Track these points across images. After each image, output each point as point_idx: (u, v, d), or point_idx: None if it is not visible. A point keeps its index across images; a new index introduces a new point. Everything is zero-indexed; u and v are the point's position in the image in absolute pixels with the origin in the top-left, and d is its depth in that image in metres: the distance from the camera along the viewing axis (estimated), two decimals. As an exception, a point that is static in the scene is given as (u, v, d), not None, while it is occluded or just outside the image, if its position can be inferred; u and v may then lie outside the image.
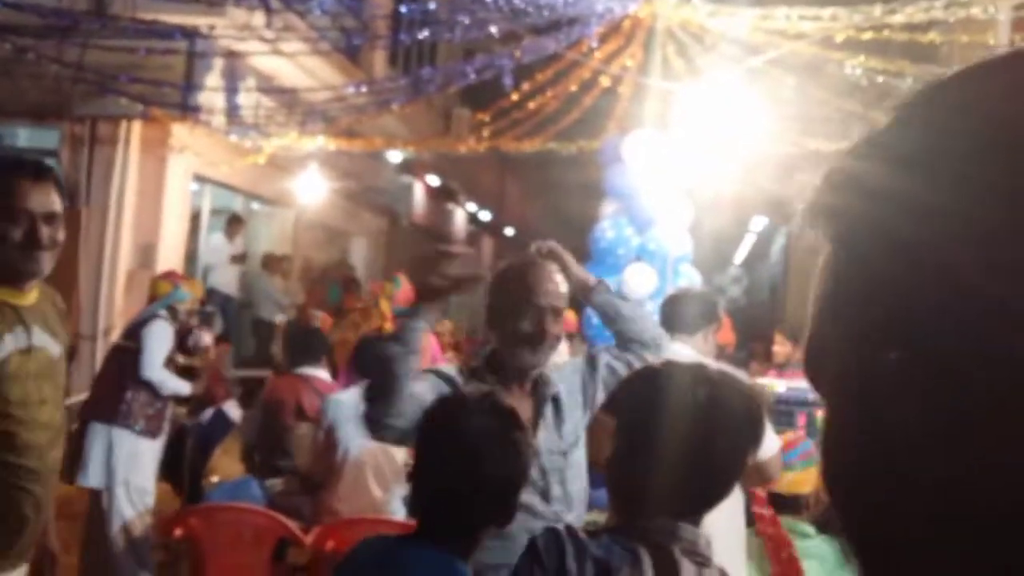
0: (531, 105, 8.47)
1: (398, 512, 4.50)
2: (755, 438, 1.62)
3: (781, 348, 7.01)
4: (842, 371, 0.50)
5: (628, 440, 1.64)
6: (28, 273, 2.48)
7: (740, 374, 3.49)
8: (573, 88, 8.20)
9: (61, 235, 2.52)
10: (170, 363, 5.04)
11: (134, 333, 5.02)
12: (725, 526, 3.16)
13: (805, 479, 3.45)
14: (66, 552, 3.43)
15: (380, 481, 4.43)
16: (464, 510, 1.77)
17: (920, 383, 0.46)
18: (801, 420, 4.84)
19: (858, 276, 0.50)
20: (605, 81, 7.89)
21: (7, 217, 2.41)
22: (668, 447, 1.58)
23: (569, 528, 1.61)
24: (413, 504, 1.88)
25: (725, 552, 3.13)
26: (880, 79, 7.28)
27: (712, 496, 1.63)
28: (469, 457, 1.76)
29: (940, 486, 0.46)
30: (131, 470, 4.80)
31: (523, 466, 1.82)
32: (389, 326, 5.90)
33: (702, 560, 1.57)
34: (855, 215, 0.50)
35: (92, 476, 4.77)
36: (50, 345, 2.57)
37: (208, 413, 5.94)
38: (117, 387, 4.85)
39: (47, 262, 2.50)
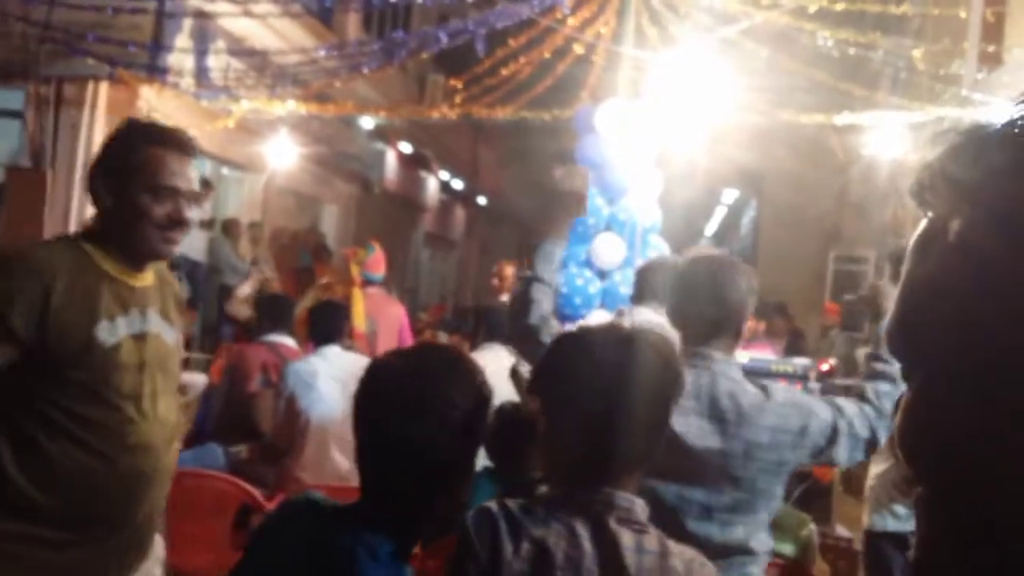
0: (504, 72, 8.41)
1: (363, 480, 4.50)
2: (675, 389, 1.63)
3: (748, 323, 7.01)
4: (962, 353, 0.49)
5: (555, 412, 1.64)
6: (161, 254, 2.32)
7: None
8: (546, 55, 8.14)
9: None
10: None
11: None
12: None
13: None
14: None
15: (344, 450, 4.42)
16: (403, 482, 1.60)
17: None
18: (763, 391, 4.87)
19: (994, 267, 0.48)
20: (579, 49, 7.84)
21: (153, 193, 2.25)
22: (592, 412, 1.57)
23: (503, 504, 1.57)
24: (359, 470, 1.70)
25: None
26: (852, 51, 7.28)
27: (643, 454, 1.62)
28: (410, 420, 1.59)
29: None
30: None
31: (467, 442, 1.62)
32: (358, 292, 5.87)
33: (640, 527, 1.56)
34: (1002, 206, 0.48)
35: None
36: (166, 332, 2.38)
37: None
38: None
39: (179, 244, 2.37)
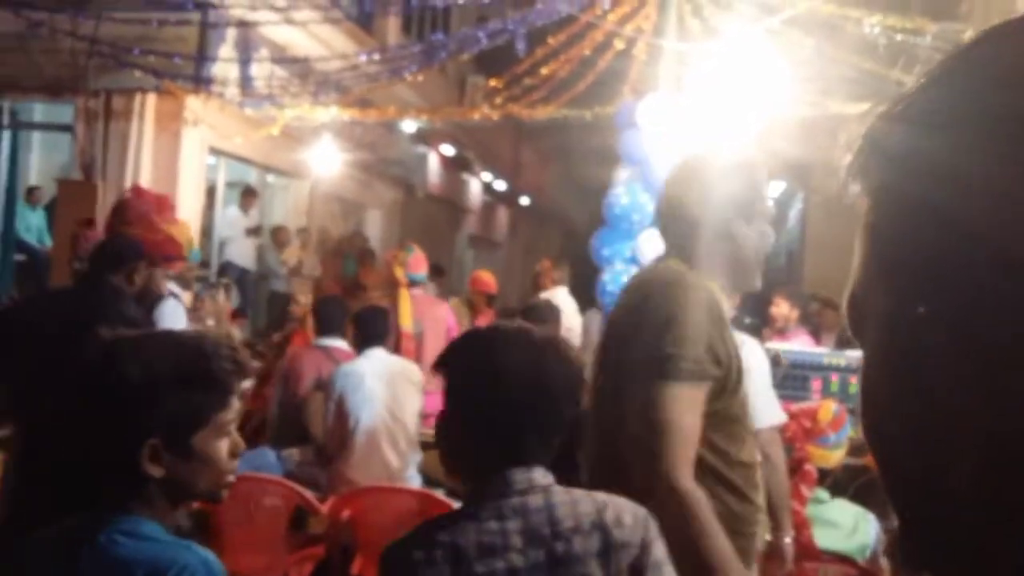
0: (544, 70, 8.38)
1: (413, 479, 4.51)
2: (573, 401, 1.66)
3: (778, 310, 6.73)
4: (881, 325, 0.53)
5: (454, 405, 1.67)
6: (756, 285, 2.24)
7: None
8: (587, 52, 8.10)
9: None
10: None
11: None
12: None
13: (831, 455, 3.48)
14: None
15: (395, 449, 4.44)
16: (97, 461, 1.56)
17: (946, 336, 0.48)
18: (815, 385, 4.81)
19: (891, 234, 0.52)
20: (619, 44, 7.79)
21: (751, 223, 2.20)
22: (489, 410, 1.61)
23: (418, 527, 1.62)
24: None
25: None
26: (899, 38, 7.14)
27: (538, 453, 1.64)
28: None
29: (976, 432, 0.48)
30: None
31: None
32: (404, 292, 5.89)
33: (544, 488, 1.60)
34: (886, 176, 0.53)
35: None
36: None
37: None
38: None
39: None
